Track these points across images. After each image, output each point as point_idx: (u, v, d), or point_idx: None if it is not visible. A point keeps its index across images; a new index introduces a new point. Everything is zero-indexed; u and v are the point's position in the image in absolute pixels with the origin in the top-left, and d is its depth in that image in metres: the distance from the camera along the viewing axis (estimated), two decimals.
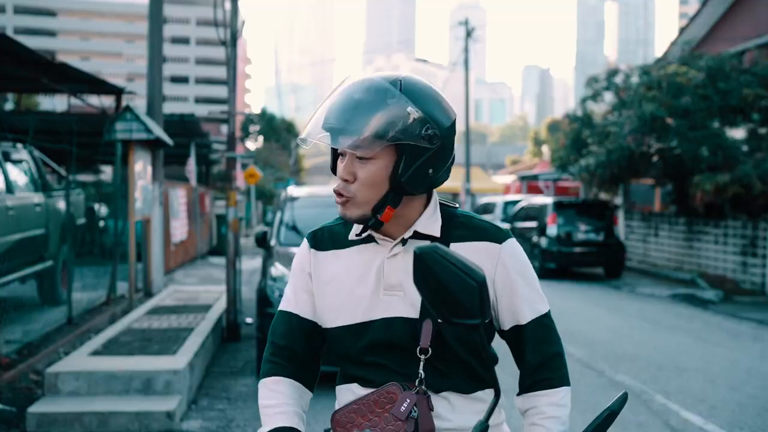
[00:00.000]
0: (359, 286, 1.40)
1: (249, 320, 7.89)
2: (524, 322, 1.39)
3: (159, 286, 9.55)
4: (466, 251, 1.35)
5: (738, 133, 13.15)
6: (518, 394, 1.43)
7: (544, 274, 13.41)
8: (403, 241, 1.39)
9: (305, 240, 1.50)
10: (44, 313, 7.10)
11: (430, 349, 1.33)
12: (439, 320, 1.19)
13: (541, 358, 1.39)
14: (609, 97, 15.40)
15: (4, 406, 4.64)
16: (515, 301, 1.39)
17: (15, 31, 69.77)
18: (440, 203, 1.44)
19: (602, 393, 5.47)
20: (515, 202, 18.20)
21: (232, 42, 7.75)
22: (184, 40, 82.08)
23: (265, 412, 1.40)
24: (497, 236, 1.39)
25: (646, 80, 13.58)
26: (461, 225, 1.41)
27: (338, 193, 1.34)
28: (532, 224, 14.11)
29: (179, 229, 13.21)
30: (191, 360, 5.16)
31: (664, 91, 12.89)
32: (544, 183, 24.66)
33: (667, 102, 12.64)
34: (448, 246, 1.36)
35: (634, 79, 14.54)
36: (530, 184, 25.53)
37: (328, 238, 1.47)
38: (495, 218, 18.38)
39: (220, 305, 7.69)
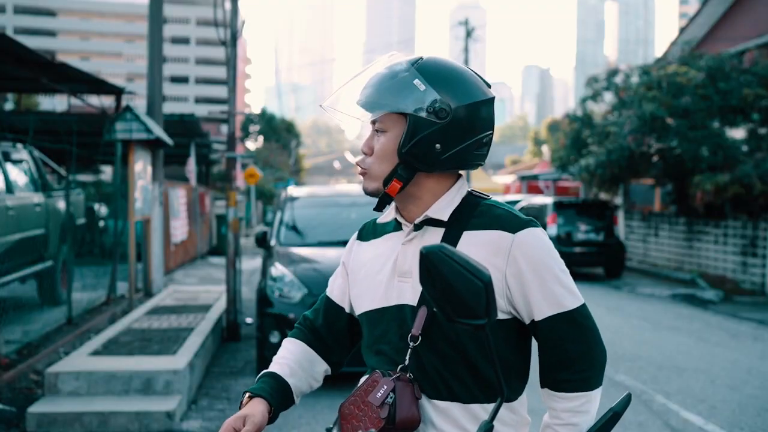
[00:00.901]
0: (380, 272, 1.42)
1: (249, 320, 7.88)
2: (540, 318, 1.31)
3: (159, 286, 9.55)
4: (477, 240, 1.33)
5: (738, 133, 13.15)
6: (541, 387, 1.38)
7: None
8: (416, 227, 1.39)
9: (357, 231, 1.57)
10: (44, 313, 7.10)
11: (420, 336, 1.31)
12: (446, 317, 1.17)
13: (560, 357, 1.31)
14: (609, 97, 15.40)
15: (4, 406, 4.64)
16: (529, 294, 1.31)
17: (15, 31, 69.76)
18: (472, 192, 1.42)
19: (602, 393, 5.46)
20: (515, 202, 18.20)
21: (232, 42, 7.74)
22: (184, 40, 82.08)
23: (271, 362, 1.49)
24: (512, 225, 1.33)
25: (646, 80, 13.58)
26: (481, 213, 1.37)
27: (360, 167, 1.39)
28: None
29: (179, 229, 13.20)
30: (191, 360, 5.16)
31: (664, 91, 12.89)
32: (544, 183, 24.66)
33: (667, 102, 12.64)
34: (460, 234, 1.35)
35: (634, 79, 14.54)
36: (530, 184, 25.52)
37: (371, 230, 1.52)
38: None
39: (220, 305, 7.69)
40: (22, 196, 6.86)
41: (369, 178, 1.38)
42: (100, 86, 10.09)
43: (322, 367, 1.53)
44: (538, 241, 1.33)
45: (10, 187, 6.65)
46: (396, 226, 1.45)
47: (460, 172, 1.43)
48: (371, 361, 1.42)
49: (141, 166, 8.58)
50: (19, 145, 7.48)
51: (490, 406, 1.33)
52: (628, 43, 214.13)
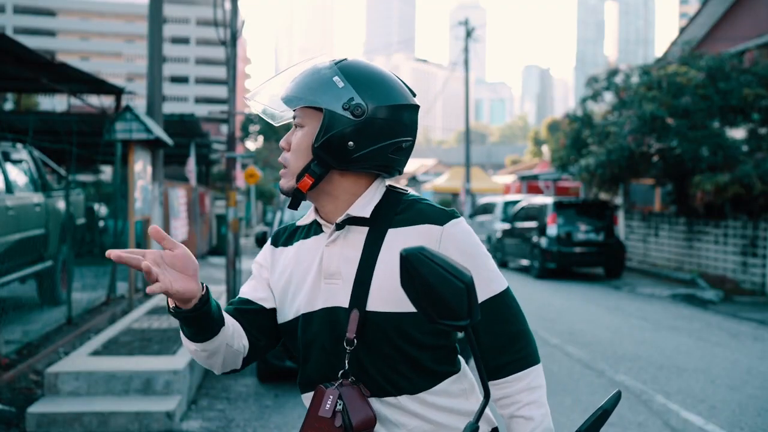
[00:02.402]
0: (304, 276, 1.40)
1: None
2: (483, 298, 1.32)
3: None
4: (406, 235, 1.33)
5: (738, 133, 13.15)
6: (489, 382, 1.36)
7: (544, 274, 13.41)
8: (338, 226, 1.37)
9: (270, 238, 1.53)
10: (44, 313, 7.10)
11: (355, 340, 1.30)
12: (428, 320, 1.16)
13: (500, 339, 1.33)
14: (609, 97, 15.40)
15: (4, 406, 4.64)
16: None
17: (15, 31, 69.78)
18: (391, 189, 1.41)
19: (602, 393, 5.47)
20: (515, 202, 18.19)
21: (232, 42, 7.75)
22: (184, 40, 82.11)
23: None
24: (439, 218, 1.33)
25: (646, 80, 13.58)
26: (404, 209, 1.36)
27: (281, 164, 1.39)
28: (532, 224, 14.10)
29: (179, 229, 13.21)
30: (191, 360, 5.16)
31: (664, 91, 12.89)
32: (544, 183, 24.66)
33: (667, 102, 12.64)
34: (385, 231, 1.34)
35: (634, 79, 14.54)
36: (530, 184, 25.52)
37: (286, 235, 1.49)
38: (495, 218, 18.39)
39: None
40: (22, 196, 6.86)
41: (287, 173, 1.37)
42: (100, 86, 10.09)
43: (244, 341, 1.44)
44: (465, 231, 1.35)
45: (10, 187, 6.65)
46: (316, 228, 1.43)
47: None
48: (308, 370, 1.39)
49: (141, 166, 8.58)
50: (19, 145, 7.48)
51: (439, 388, 1.34)
52: (628, 43, 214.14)
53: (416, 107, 1.38)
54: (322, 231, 1.41)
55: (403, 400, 1.33)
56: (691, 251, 13.61)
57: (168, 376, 4.80)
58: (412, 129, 1.37)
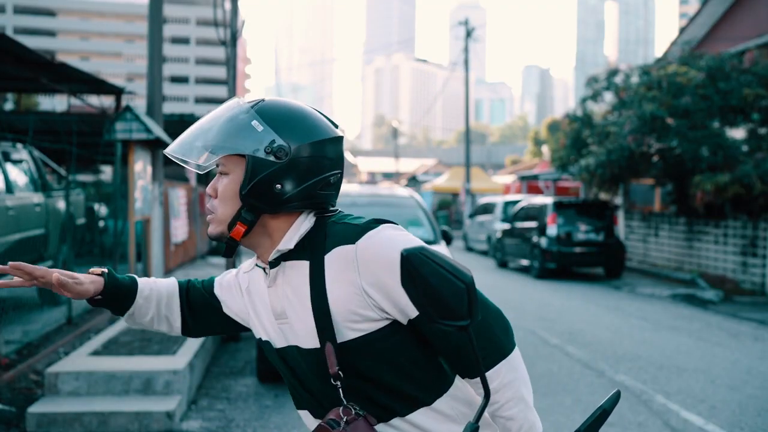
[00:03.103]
0: (262, 317, 1.42)
1: None
2: (414, 314, 1.26)
3: None
4: (333, 260, 1.29)
5: (738, 133, 13.15)
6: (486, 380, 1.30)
7: (544, 274, 13.41)
8: (272, 264, 1.35)
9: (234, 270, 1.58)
10: (44, 313, 7.10)
11: (340, 372, 1.27)
12: (428, 320, 1.16)
13: (454, 344, 1.26)
14: (609, 97, 15.40)
15: (4, 406, 4.64)
16: (394, 297, 1.25)
17: (15, 31, 69.79)
18: (321, 216, 1.38)
19: (602, 393, 5.47)
20: (515, 202, 18.20)
21: (232, 42, 7.75)
22: (184, 40, 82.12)
23: None
24: (351, 236, 1.28)
25: (646, 80, 13.58)
26: (327, 234, 1.33)
27: (207, 212, 1.38)
28: (532, 224, 14.10)
29: (180, 229, 13.20)
30: (191, 360, 5.16)
31: (664, 91, 12.89)
32: (544, 183, 24.66)
33: (667, 102, 12.64)
34: (323, 260, 1.30)
35: (634, 79, 14.54)
36: (530, 184, 25.52)
37: (246, 271, 1.51)
38: (495, 218, 18.40)
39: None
40: (22, 196, 6.86)
41: (214, 221, 1.35)
42: (100, 86, 10.10)
43: (177, 320, 1.57)
44: (380, 242, 1.27)
45: (10, 187, 6.65)
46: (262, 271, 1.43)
47: None
48: (298, 396, 1.41)
49: (141, 166, 8.58)
50: (19, 145, 7.49)
51: (412, 417, 1.31)
52: (628, 43, 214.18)
53: (340, 139, 1.36)
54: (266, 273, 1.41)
55: (398, 422, 1.31)
56: (691, 251, 13.61)
57: (168, 376, 4.80)
58: (338, 162, 1.35)
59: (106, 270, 1.48)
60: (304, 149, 1.29)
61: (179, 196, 13.10)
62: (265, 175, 1.28)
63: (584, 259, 13.43)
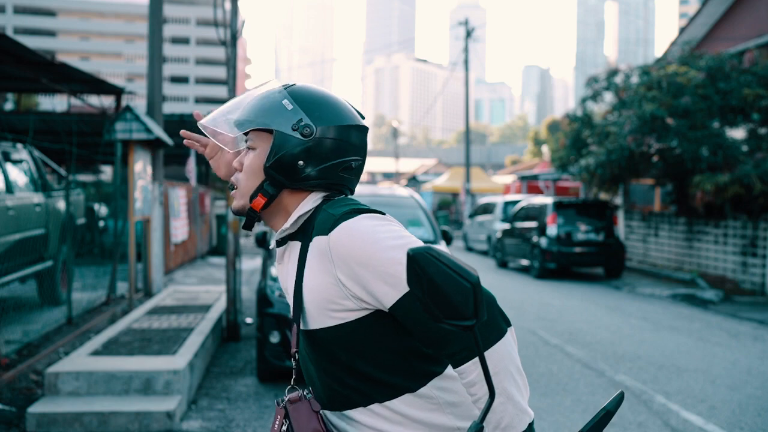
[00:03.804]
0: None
1: (249, 320, 7.88)
2: (391, 304, 1.24)
3: (159, 286, 9.55)
4: (313, 248, 1.32)
5: (738, 133, 13.15)
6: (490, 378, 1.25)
7: (544, 274, 13.41)
8: (279, 243, 1.43)
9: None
10: (44, 313, 7.10)
11: (296, 354, 1.34)
12: (434, 319, 1.15)
13: (431, 334, 1.23)
14: (609, 97, 15.40)
15: (4, 406, 4.65)
16: (370, 287, 1.25)
17: (15, 31, 69.80)
18: (327, 199, 1.40)
19: (602, 393, 5.47)
20: (515, 202, 18.20)
21: (232, 42, 7.74)
22: (184, 40, 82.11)
23: None
24: (326, 227, 1.29)
25: (646, 80, 13.58)
26: (316, 220, 1.35)
27: (232, 185, 1.44)
28: (532, 224, 14.10)
29: (180, 229, 13.21)
30: (191, 360, 5.16)
31: (664, 91, 12.89)
32: (544, 183, 24.66)
33: (667, 102, 12.64)
34: (307, 247, 1.34)
35: (634, 79, 14.53)
36: (530, 184, 25.52)
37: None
38: (495, 218, 18.40)
39: (220, 305, 7.69)
40: (22, 196, 6.86)
41: (238, 194, 1.42)
42: (100, 86, 10.10)
43: None
44: (352, 233, 1.26)
45: (10, 187, 6.65)
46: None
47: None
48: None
49: (141, 166, 8.58)
50: (19, 145, 7.49)
51: (392, 403, 1.31)
52: (628, 43, 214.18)
53: (365, 128, 1.42)
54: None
55: (357, 413, 1.32)
56: (691, 251, 13.61)
57: (168, 376, 4.80)
58: (360, 149, 1.40)
59: None
60: (329, 131, 1.36)
61: (179, 196, 13.10)
62: (290, 150, 1.34)
63: (584, 259, 13.43)
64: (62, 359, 5.30)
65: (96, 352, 5.35)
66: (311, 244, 1.33)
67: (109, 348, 5.52)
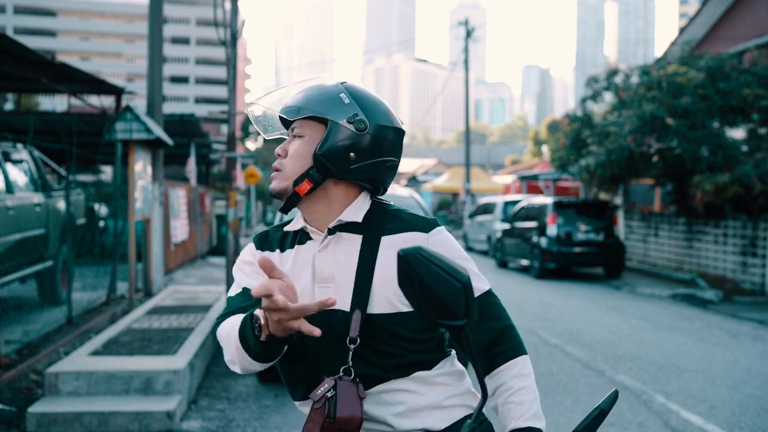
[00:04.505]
0: (298, 282, 1.45)
1: None
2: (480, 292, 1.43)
3: (159, 286, 9.55)
4: (395, 242, 1.43)
5: (738, 133, 13.15)
6: (482, 380, 1.40)
7: (544, 274, 13.41)
8: (330, 232, 1.45)
9: (251, 243, 1.58)
10: (44, 313, 7.11)
11: (358, 338, 1.38)
12: (426, 319, 1.18)
13: (492, 334, 1.42)
14: (609, 97, 15.39)
15: (4, 406, 4.65)
16: None
17: (15, 31, 69.80)
18: (375, 201, 1.51)
19: (602, 393, 5.47)
20: (515, 202, 18.20)
21: (232, 42, 7.75)
22: (184, 40, 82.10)
23: (235, 320, 1.40)
24: (424, 226, 1.46)
25: (646, 80, 13.58)
26: (391, 218, 1.47)
27: (274, 168, 1.49)
28: (532, 224, 14.11)
29: (180, 229, 13.20)
30: (191, 360, 5.16)
31: (664, 91, 12.89)
32: (544, 183, 24.66)
33: (667, 102, 12.64)
34: (379, 239, 1.43)
35: (634, 79, 14.53)
36: (530, 184, 25.53)
37: (271, 240, 1.55)
38: (495, 218, 18.39)
39: (220, 305, 7.69)
40: (22, 196, 6.86)
41: (280, 176, 1.46)
42: (100, 86, 10.09)
43: None
44: (447, 238, 1.47)
45: (10, 187, 6.65)
46: (302, 236, 1.50)
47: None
48: (301, 371, 1.46)
49: (141, 166, 8.58)
50: (19, 145, 7.49)
51: (432, 371, 1.43)
52: (628, 43, 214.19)
53: (403, 132, 1.51)
54: (308, 239, 1.49)
55: (399, 382, 1.41)
56: (691, 251, 13.61)
57: (168, 375, 4.81)
58: (399, 151, 1.50)
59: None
60: (379, 129, 1.44)
61: (179, 196, 13.10)
62: (343, 141, 1.41)
63: (584, 259, 13.43)
64: (62, 359, 5.30)
65: (96, 352, 5.35)
66: (393, 237, 1.43)
67: (110, 348, 5.52)
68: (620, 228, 16.20)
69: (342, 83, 1.47)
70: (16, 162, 7.20)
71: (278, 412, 4.98)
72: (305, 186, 1.43)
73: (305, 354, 1.44)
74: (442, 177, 35.34)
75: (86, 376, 4.76)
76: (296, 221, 1.52)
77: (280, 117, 1.52)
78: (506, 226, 15.74)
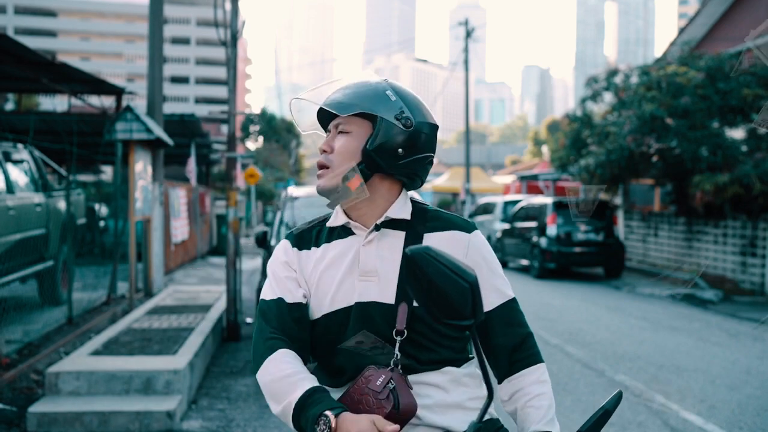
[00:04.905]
0: (339, 274, 1.47)
1: (249, 320, 7.89)
2: (491, 308, 1.47)
3: (159, 286, 9.56)
4: (438, 240, 1.47)
5: (738, 133, 13.15)
6: (500, 383, 1.49)
7: (544, 274, 13.41)
8: (377, 228, 1.48)
9: (285, 241, 1.57)
10: (44, 313, 7.11)
11: (405, 331, 1.40)
12: (433, 319, 1.19)
13: (514, 340, 1.47)
14: (609, 97, 15.39)
15: (5, 406, 4.65)
16: (487, 284, 1.47)
17: (15, 32, 69.79)
18: (412, 200, 1.56)
19: (602, 393, 5.48)
20: (515, 202, 18.20)
21: (232, 42, 7.75)
22: (185, 41, 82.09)
23: (287, 381, 1.38)
24: (466, 227, 1.52)
25: (646, 80, 13.58)
26: (432, 218, 1.52)
27: (319, 165, 1.49)
28: (532, 224, 14.11)
29: (180, 229, 13.21)
30: (191, 360, 5.17)
31: (663, 91, 12.89)
32: (544, 183, 24.66)
33: (666, 102, 12.64)
34: (421, 236, 1.47)
35: (634, 80, 14.53)
36: (530, 184, 25.52)
37: (308, 238, 1.56)
38: (495, 218, 18.39)
39: (220, 305, 7.70)
40: (23, 196, 6.87)
41: (329, 174, 1.47)
42: (100, 86, 10.10)
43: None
44: (484, 241, 1.54)
45: (10, 187, 6.66)
46: (339, 231, 1.52)
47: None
48: (339, 362, 1.46)
49: (141, 166, 8.59)
50: (20, 146, 7.49)
51: (460, 370, 1.47)
52: (628, 43, 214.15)
53: (438, 127, 1.56)
54: (349, 233, 1.51)
55: (430, 375, 1.44)
56: (691, 251, 13.62)
57: (168, 375, 4.81)
58: (435, 146, 1.55)
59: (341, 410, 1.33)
60: (423, 126, 1.47)
61: (179, 196, 13.10)
62: (393, 138, 1.44)
63: (584, 259, 13.43)
64: (63, 359, 5.31)
65: (96, 352, 5.35)
66: (437, 235, 1.48)
67: (110, 348, 5.53)
68: (620, 228, 16.20)
69: (384, 80, 1.50)
70: (16, 162, 7.20)
71: None
72: (356, 181, 1.46)
73: (347, 349, 1.46)
74: (442, 177, 35.34)
75: (86, 375, 4.77)
76: (336, 216, 1.53)
77: (319, 113, 1.54)
78: (506, 226, 15.74)
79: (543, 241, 13.41)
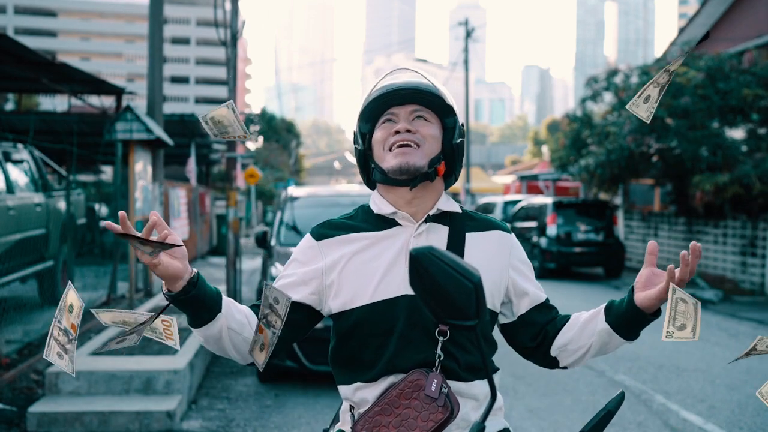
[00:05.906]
0: (383, 265, 1.45)
1: None
2: (543, 299, 1.58)
3: (159, 286, 9.55)
4: (483, 239, 1.52)
5: (737, 134, 13.15)
6: (552, 343, 1.56)
7: (544, 274, 13.41)
8: (428, 219, 1.50)
9: (308, 236, 1.54)
10: (45, 313, 7.11)
11: (448, 331, 1.39)
12: (436, 319, 1.18)
13: (547, 334, 1.57)
14: (609, 97, 15.40)
15: (5, 406, 4.66)
16: (524, 285, 1.55)
17: (15, 32, 69.77)
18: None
19: (602, 393, 5.48)
20: (515, 202, 18.21)
21: (232, 42, 7.76)
22: (185, 41, 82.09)
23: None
24: (506, 228, 1.59)
25: (646, 80, 13.54)
26: (468, 217, 1.56)
27: (406, 142, 1.47)
28: (532, 224, 14.11)
29: (180, 229, 13.20)
30: (191, 360, 5.17)
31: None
32: (544, 183, 24.66)
33: (666, 102, 12.64)
34: (464, 234, 1.50)
35: (634, 80, 14.54)
36: (530, 184, 25.52)
37: (336, 228, 1.53)
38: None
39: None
40: (23, 196, 6.87)
41: (421, 152, 1.47)
42: (100, 86, 10.10)
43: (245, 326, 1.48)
44: (519, 243, 1.62)
45: (10, 187, 6.66)
46: (378, 222, 1.50)
47: None
48: (377, 356, 1.43)
49: (141, 166, 8.59)
50: (20, 146, 7.50)
51: (482, 383, 1.46)
52: (628, 43, 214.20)
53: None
54: (392, 224, 1.50)
55: (472, 384, 1.45)
56: None
57: (168, 375, 4.81)
58: None
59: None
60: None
61: (179, 196, 13.10)
62: (461, 135, 1.53)
63: (584, 259, 13.44)
64: None
65: (96, 352, 5.36)
66: (481, 234, 1.53)
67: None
68: (620, 228, 16.20)
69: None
70: (16, 162, 7.21)
71: (278, 412, 4.99)
72: (443, 168, 1.50)
73: (389, 341, 1.42)
74: None
75: (87, 375, 4.77)
76: (383, 206, 1.51)
77: (373, 100, 1.50)
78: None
79: (543, 241, 13.41)
